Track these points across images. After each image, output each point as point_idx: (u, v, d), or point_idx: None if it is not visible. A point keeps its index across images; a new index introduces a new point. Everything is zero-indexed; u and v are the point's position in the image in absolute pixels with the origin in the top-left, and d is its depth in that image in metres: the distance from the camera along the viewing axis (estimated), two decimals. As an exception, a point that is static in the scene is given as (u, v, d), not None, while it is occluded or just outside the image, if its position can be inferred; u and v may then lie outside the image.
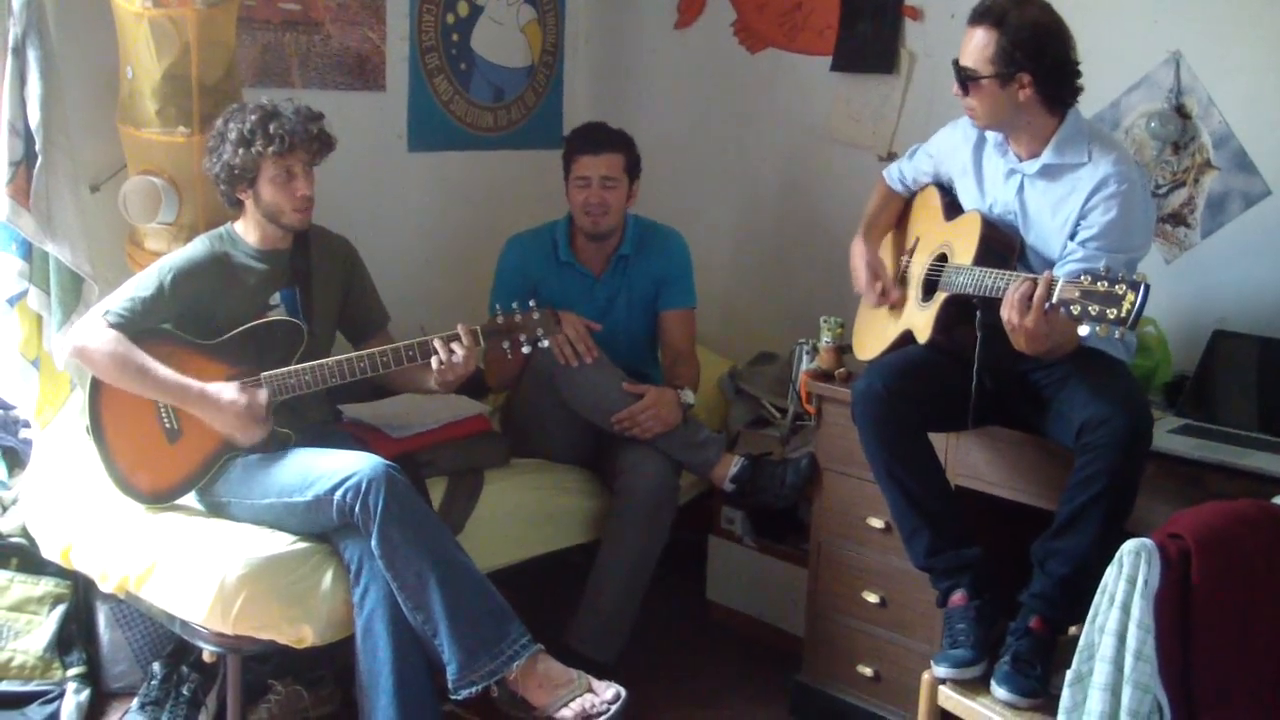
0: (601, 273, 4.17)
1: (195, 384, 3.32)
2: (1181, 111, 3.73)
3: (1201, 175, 3.72)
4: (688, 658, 4.18)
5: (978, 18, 3.12)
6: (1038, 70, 3.09)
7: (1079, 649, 2.52)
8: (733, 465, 3.88)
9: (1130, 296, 2.66)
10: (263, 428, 3.34)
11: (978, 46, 3.11)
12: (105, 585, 3.41)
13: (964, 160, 3.40)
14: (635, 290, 4.18)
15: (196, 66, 3.58)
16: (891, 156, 4.39)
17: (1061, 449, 3.06)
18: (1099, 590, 2.49)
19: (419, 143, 4.81)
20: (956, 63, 3.16)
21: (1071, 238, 3.12)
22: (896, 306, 3.47)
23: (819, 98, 4.67)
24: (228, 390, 3.32)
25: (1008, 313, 2.90)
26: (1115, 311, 2.67)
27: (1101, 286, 2.69)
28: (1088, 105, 3.40)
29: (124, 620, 3.72)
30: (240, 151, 3.34)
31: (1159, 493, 3.02)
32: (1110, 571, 2.46)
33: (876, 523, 3.57)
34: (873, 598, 3.61)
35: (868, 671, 3.65)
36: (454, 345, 3.38)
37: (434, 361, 3.37)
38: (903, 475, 3.18)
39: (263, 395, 3.34)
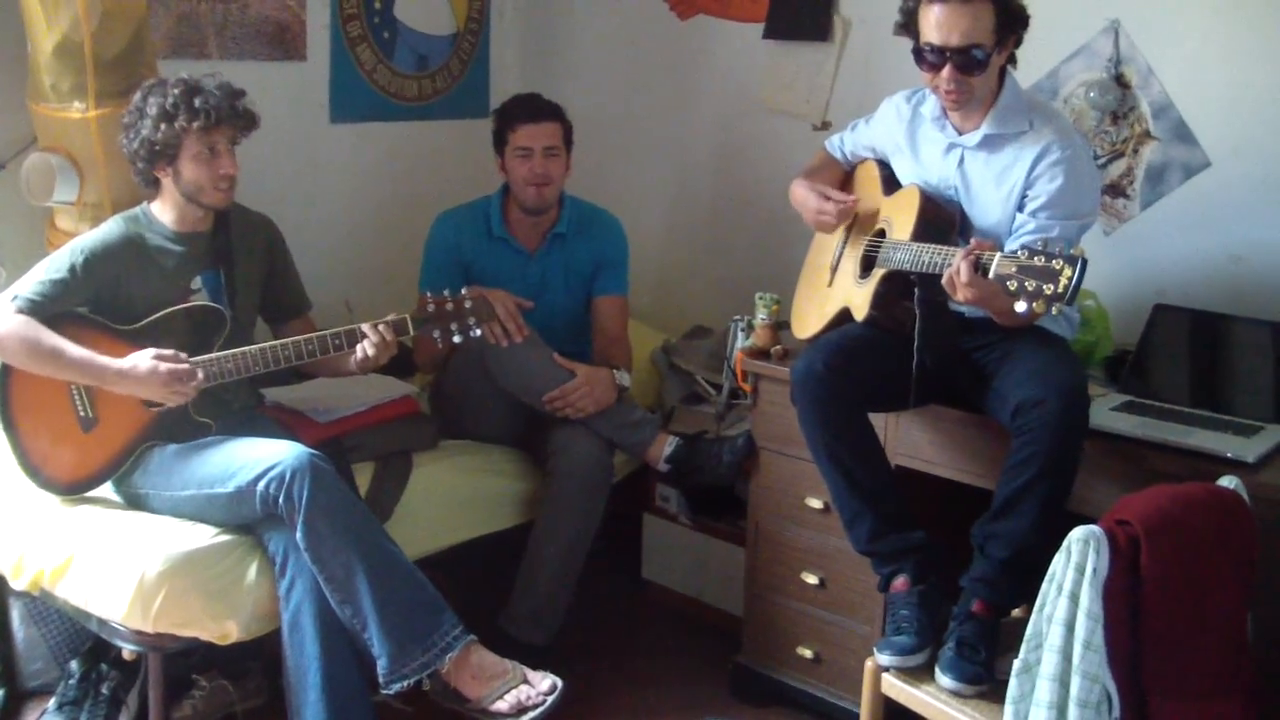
0: (536, 249, 4.08)
1: (112, 362, 3.19)
2: (1121, 81, 3.68)
3: (1141, 146, 3.68)
4: (625, 639, 4.12)
5: None
6: (1022, 31, 3.06)
7: (1026, 637, 2.49)
8: (667, 445, 3.82)
9: (1068, 272, 2.61)
10: (192, 384, 3.20)
11: (976, 20, 2.97)
12: (18, 582, 3.29)
13: (897, 139, 3.33)
14: (573, 270, 4.10)
15: (90, 39, 3.42)
16: (826, 125, 4.34)
17: (1003, 428, 3.00)
18: (1046, 579, 2.46)
19: (341, 114, 4.69)
20: (949, 49, 2.99)
21: (1020, 209, 3.07)
22: (836, 280, 3.40)
23: (752, 66, 4.59)
24: (144, 360, 3.18)
25: (949, 289, 2.86)
26: (1052, 287, 2.62)
27: (1039, 262, 2.64)
28: (1026, 75, 3.34)
29: (39, 617, 3.59)
30: (162, 127, 3.21)
31: (1102, 472, 2.99)
32: (1058, 560, 2.43)
33: (815, 503, 3.51)
34: (812, 579, 3.55)
35: (808, 653, 3.59)
36: (384, 331, 3.29)
37: (358, 350, 3.29)
38: (844, 456, 3.11)
39: (182, 357, 3.21)
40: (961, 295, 2.82)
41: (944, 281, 2.85)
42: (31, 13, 3.41)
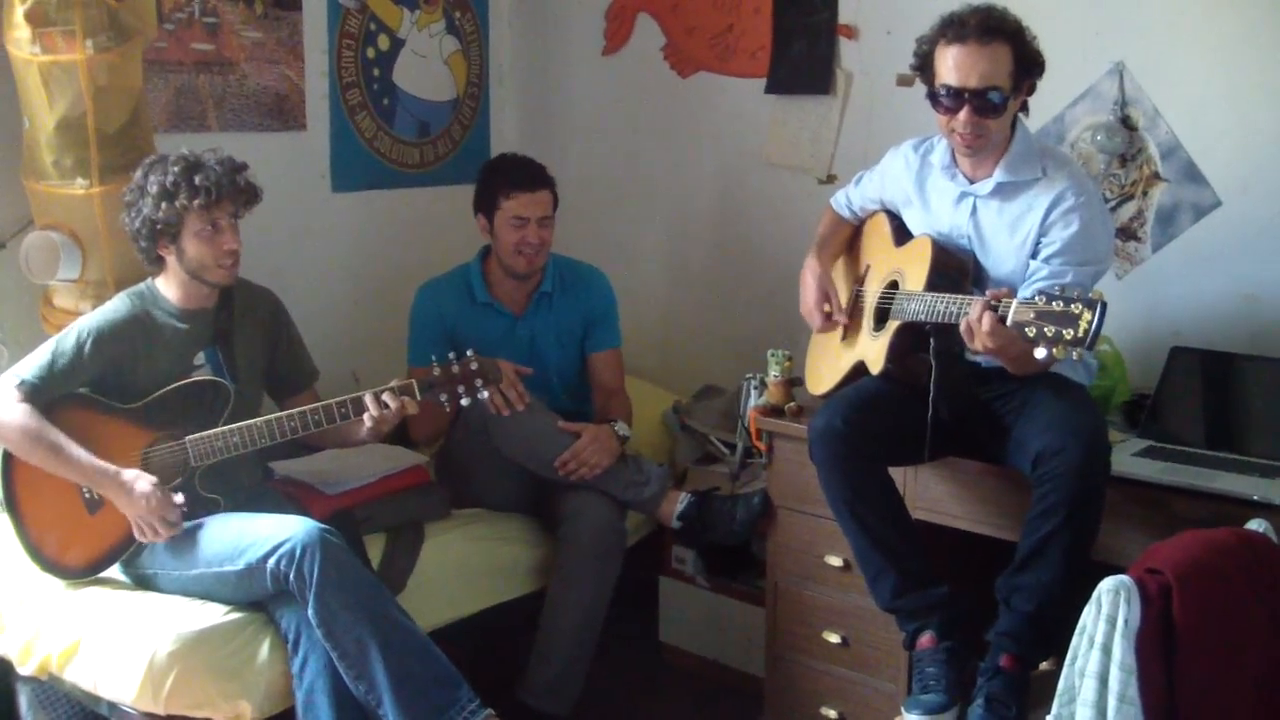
0: (523, 311, 4.05)
1: (111, 468, 3.14)
2: (1127, 123, 3.66)
3: (1150, 188, 3.65)
4: (643, 704, 4.04)
5: (986, 33, 2.95)
6: (1038, 77, 3.05)
7: (1058, 692, 2.43)
8: (679, 502, 3.77)
9: (1087, 316, 2.56)
10: (167, 530, 3.15)
11: (996, 62, 2.95)
12: (25, 667, 3.24)
13: (906, 190, 3.29)
14: (563, 329, 4.07)
15: (93, 115, 3.41)
16: (831, 179, 4.31)
17: (1024, 478, 2.95)
18: (1077, 631, 2.40)
19: (343, 183, 4.67)
20: (967, 91, 2.96)
21: (1034, 256, 3.03)
22: (850, 334, 3.36)
23: (754, 121, 4.57)
24: (143, 482, 3.14)
25: (966, 338, 2.80)
26: (1072, 332, 2.57)
27: (1057, 307, 2.59)
28: (1031, 119, 3.32)
29: (47, 701, 3.51)
30: (163, 205, 3.18)
31: (1126, 519, 2.94)
32: (1088, 611, 2.37)
33: (835, 561, 3.46)
34: (834, 638, 3.50)
35: (832, 714, 3.53)
36: (387, 399, 3.24)
37: (367, 418, 3.24)
38: (865, 513, 3.07)
39: (178, 499, 3.17)
40: (980, 344, 2.77)
41: (962, 330, 2.81)
42: (32, 90, 3.40)
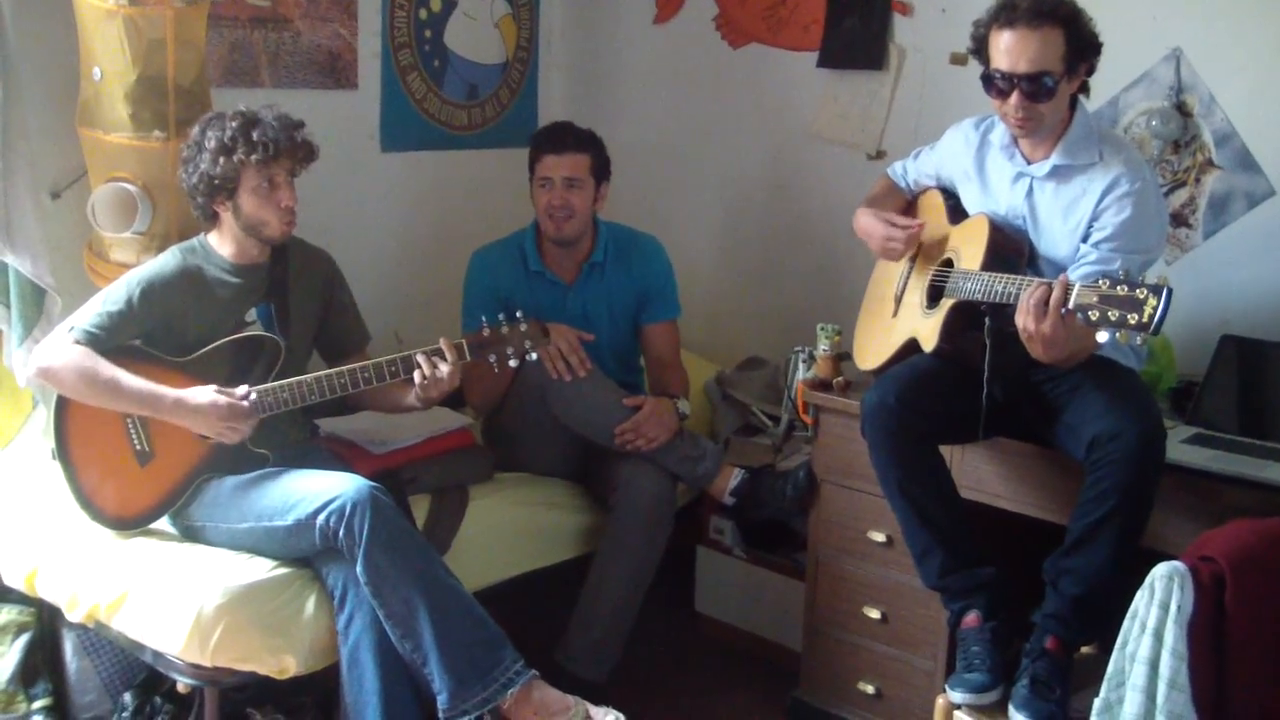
0: (574, 280, 3.99)
1: (170, 391, 3.16)
2: (1182, 109, 3.64)
3: (1203, 175, 3.63)
4: (678, 673, 4.06)
5: (1037, 17, 2.93)
6: (1094, 60, 3.02)
7: (1108, 676, 2.44)
8: (732, 478, 3.76)
9: (1152, 301, 2.54)
10: (249, 422, 3.19)
11: (1047, 47, 2.93)
12: (73, 614, 3.26)
13: (965, 166, 3.28)
14: (615, 301, 4.01)
15: (173, 67, 3.41)
16: (881, 155, 4.30)
17: (1072, 461, 2.95)
18: (1129, 616, 2.40)
19: (392, 142, 4.67)
20: (1017, 76, 2.94)
21: (1084, 240, 3.01)
22: (901, 310, 3.35)
23: (805, 94, 4.55)
24: (203, 393, 3.16)
25: (1023, 319, 2.76)
26: (1136, 317, 2.55)
27: (1121, 291, 2.57)
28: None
29: (92, 648, 3.54)
30: (221, 160, 3.18)
31: (1174, 506, 2.94)
32: (1141, 596, 2.37)
33: (878, 536, 3.46)
34: (874, 613, 3.50)
35: (870, 689, 3.54)
36: (437, 360, 3.24)
37: (416, 376, 3.24)
38: (915, 491, 3.07)
39: (241, 391, 3.18)
40: (1040, 329, 2.74)
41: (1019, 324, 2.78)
42: (110, 41, 3.37)
